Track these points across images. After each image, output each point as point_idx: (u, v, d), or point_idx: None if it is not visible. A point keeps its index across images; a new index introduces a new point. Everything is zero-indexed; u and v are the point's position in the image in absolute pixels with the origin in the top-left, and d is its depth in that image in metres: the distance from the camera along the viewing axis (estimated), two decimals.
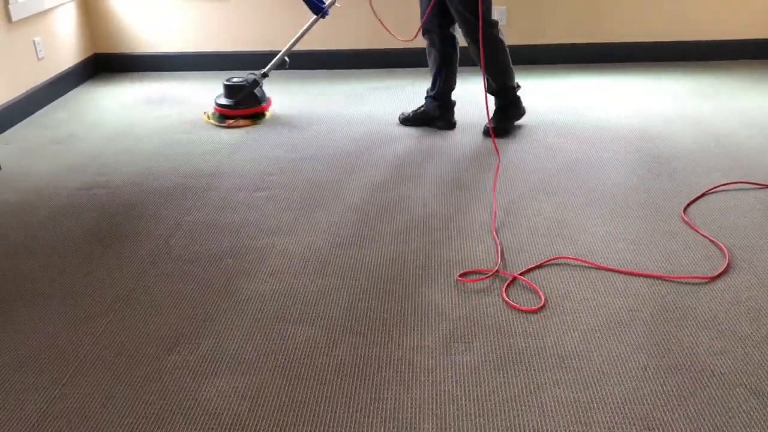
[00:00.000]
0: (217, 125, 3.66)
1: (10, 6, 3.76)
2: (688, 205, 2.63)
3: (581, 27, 4.42)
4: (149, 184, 3.00)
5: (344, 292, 2.16)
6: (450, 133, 3.47)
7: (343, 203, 2.76)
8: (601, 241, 2.40)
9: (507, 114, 3.42)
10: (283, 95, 4.12)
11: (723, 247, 2.31)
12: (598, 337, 1.90)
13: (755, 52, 4.40)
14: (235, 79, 3.70)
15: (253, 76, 3.71)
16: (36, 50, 4.04)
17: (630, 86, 4.05)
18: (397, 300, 2.11)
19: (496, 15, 4.39)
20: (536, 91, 4.00)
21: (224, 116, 3.69)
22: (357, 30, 4.49)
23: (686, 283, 2.14)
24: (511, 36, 4.40)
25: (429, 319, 2.01)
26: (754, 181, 2.79)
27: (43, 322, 2.07)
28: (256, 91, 3.69)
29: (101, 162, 3.26)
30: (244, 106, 3.67)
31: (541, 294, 2.09)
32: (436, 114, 3.51)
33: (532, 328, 1.95)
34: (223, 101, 3.70)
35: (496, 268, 2.23)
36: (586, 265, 2.25)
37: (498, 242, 2.39)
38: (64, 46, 4.35)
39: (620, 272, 2.19)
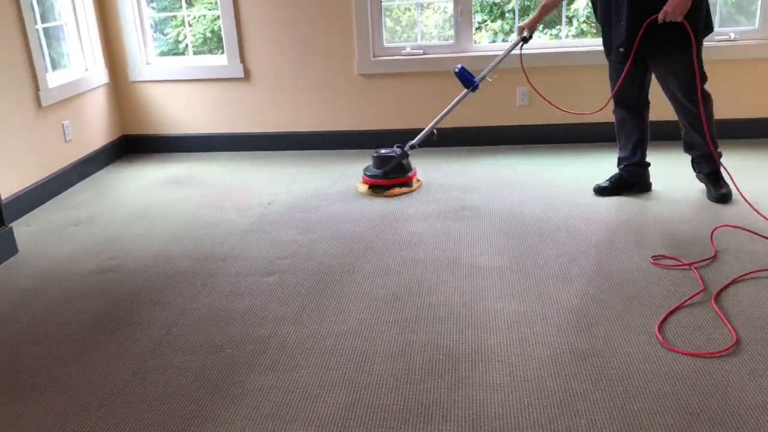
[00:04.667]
0: (370, 195, 3.74)
1: (40, 93, 3.88)
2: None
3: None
4: (160, 268, 2.97)
5: (344, 389, 2.05)
6: (466, 214, 3.39)
7: (352, 288, 2.68)
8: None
9: (720, 178, 3.36)
10: (302, 175, 4.12)
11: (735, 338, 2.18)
12: None
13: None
14: (383, 151, 3.81)
15: (400, 149, 3.81)
16: (65, 133, 4.15)
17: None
18: (400, 399, 1.99)
19: (518, 97, 4.41)
20: (554, 168, 3.93)
21: (373, 186, 3.79)
22: (371, 111, 4.54)
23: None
24: (532, 117, 4.40)
25: (435, 418, 1.89)
26: None
27: (32, 417, 2.00)
28: (403, 162, 3.80)
29: (116, 245, 3.26)
30: (393, 175, 3.76)
31: None
32: (636, 179, 3.52)
33: None
34: (373, 171, 3.80)
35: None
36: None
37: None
38: (93, 128, 4.46)
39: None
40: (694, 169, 3.46)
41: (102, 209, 3.77)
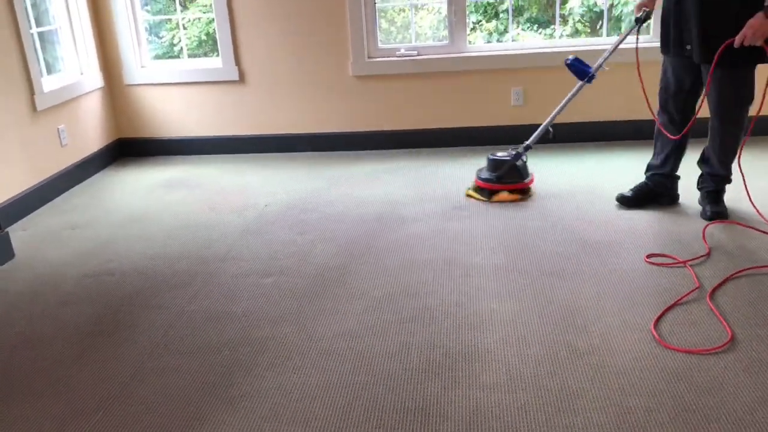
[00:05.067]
0: (480, 200, 3.56)
1: (35, 97, 3.88)
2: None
3: (589, 106, 4.39)
4: (158, 270, 2.97)
5: (342, 389, 2.06)
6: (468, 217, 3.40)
7: (349, 289, 2.69)
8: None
9: (721, 198, 3.18)
10: (298, 177, 4.13)
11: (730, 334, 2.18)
12: None
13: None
14: (499, 154, 3.59)
15: (515, 151, 3.55)
16: (60, 137, 4.15)
17: None
18: (397, 399, 2.00)
19: (512, 97, 4.42)
20: (552, 168, 3.95)
21: (486, 190, 3.56)
22: (363, 112, 4.55)
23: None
24: (525, 117, 4.41)
25: (433, 418, 1.90)
26: None
27: (30, 421, 2.01)
28: (519, 165, 3.55)
29: (113, 248, 3.26)
30: (507, 180, 3.53)
31: None
32: (662, 191, 3.31)
33: None
34: (486, 175, 3.58)
35: None
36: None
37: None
38: (88, 132, 4.46)
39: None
40: (698, 185, 3.27)
41: (98, 213, 3.77)
